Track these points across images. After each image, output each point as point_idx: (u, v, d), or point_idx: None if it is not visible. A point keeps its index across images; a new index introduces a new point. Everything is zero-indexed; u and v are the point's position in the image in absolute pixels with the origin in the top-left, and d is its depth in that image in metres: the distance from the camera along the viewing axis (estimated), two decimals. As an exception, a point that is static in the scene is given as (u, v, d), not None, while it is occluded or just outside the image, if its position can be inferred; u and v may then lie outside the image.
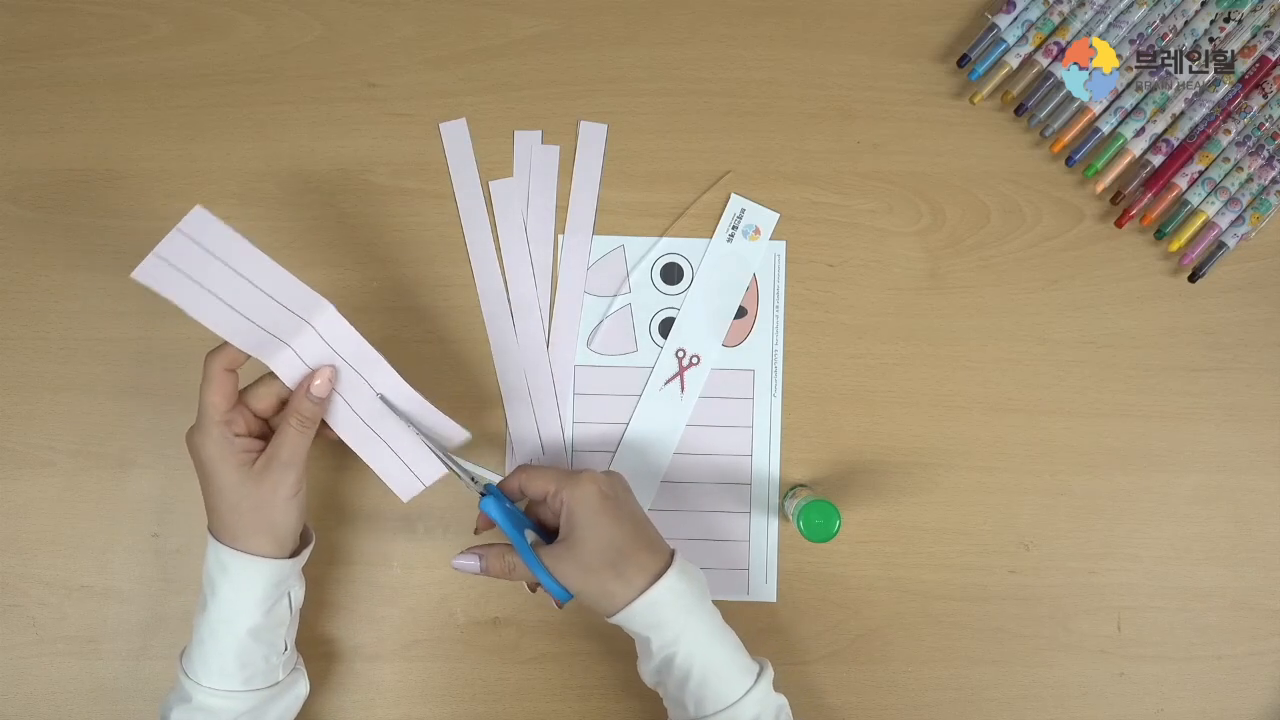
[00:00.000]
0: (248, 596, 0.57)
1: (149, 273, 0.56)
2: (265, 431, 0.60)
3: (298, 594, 0.61)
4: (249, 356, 0.57)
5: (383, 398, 0.60)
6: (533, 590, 0.64)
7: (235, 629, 0.57)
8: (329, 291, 0.58)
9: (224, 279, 0.57)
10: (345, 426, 0.60)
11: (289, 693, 0.61)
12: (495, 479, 0.63)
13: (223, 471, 0.56)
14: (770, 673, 0.60)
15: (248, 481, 0.56)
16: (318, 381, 0.57)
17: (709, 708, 0.57)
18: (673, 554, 0.59)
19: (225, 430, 0.56)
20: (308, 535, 0.62)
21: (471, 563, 0.61)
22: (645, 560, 0.58)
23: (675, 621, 0.58)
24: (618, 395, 0.70)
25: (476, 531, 0.65)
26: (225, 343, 0.57)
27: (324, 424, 0.60)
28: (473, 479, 0.62)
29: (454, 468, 0.61)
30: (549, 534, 0.62)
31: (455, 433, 0.62)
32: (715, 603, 0.60)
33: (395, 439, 0.61)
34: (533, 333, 0.70)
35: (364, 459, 0.61)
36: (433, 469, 0.61)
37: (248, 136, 0.71)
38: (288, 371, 0.58)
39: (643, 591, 0.57)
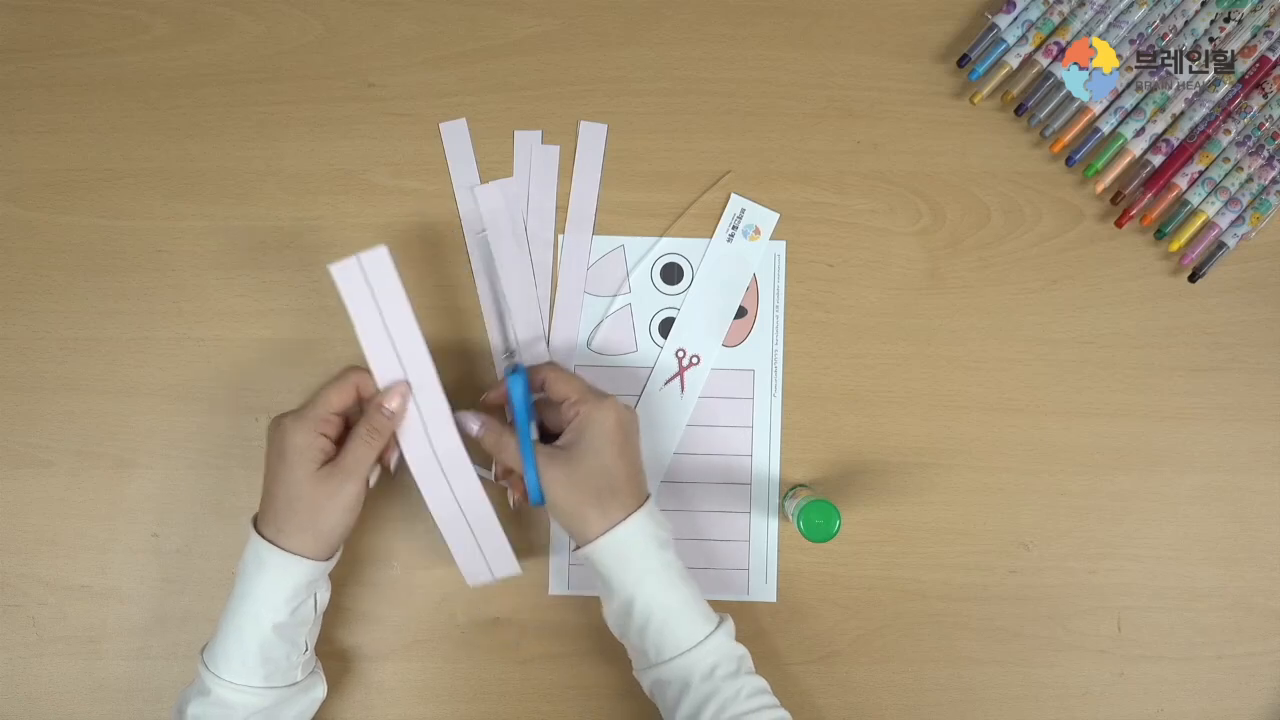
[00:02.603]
0: (278, 594, 0.58)
1: (344, 272, 0.59)
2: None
3: (324, 596, 0.61)
4: (377, 392, 0.60)
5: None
6: (498, 480, 0.66)
7: (261, 624, 0.58)
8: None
9: (398, 313, 0.60)
10: (438, 502, 0.62)
11: (306, 694, 0.62)
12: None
13: (297, 464, 0.58)
14: (730, 625, 0.60)
15: (310, 481, 0.58)
16: (394, 398, 0.60)
17: (668, 653, 0.58)
18: (648, 497, 0.61)
19: (319, 426, 0.59)
20: None
21: (473, 423, 0.62)
22: (627, 500, 0.59)
23: (638, 563, 0.59)
24: (618, 395, 0.70)
25: (483, 401, 0.66)
26: (368, 370, 0.60)
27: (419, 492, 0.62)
28: (509, 353, 0.65)
29: (502, 340, 0.64)
30: (547, 436, 0.64)
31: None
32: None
33: (481, 528, 0.62)
34: (533, 333, 0.70)
35: (444, 536, 0.62)
36: (506, 567, 0.63)
37: (248, 136, 0.71)
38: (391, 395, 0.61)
39: (615, 525, 0.58)
